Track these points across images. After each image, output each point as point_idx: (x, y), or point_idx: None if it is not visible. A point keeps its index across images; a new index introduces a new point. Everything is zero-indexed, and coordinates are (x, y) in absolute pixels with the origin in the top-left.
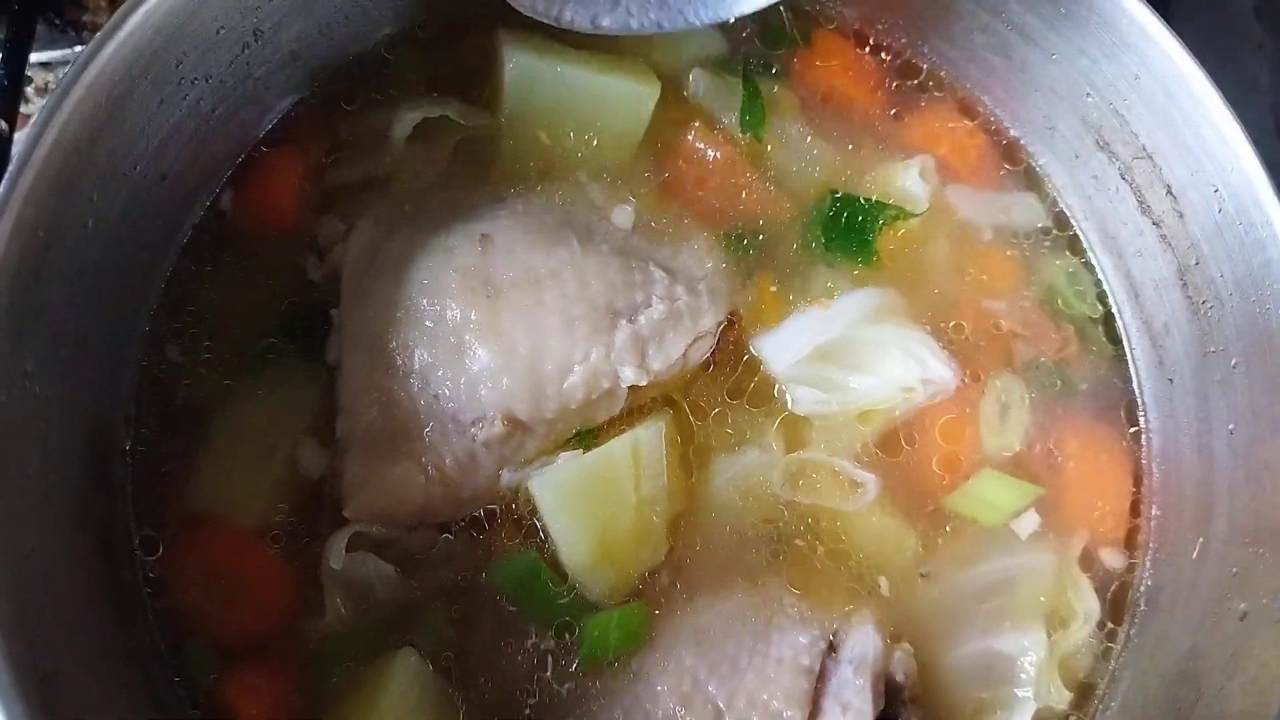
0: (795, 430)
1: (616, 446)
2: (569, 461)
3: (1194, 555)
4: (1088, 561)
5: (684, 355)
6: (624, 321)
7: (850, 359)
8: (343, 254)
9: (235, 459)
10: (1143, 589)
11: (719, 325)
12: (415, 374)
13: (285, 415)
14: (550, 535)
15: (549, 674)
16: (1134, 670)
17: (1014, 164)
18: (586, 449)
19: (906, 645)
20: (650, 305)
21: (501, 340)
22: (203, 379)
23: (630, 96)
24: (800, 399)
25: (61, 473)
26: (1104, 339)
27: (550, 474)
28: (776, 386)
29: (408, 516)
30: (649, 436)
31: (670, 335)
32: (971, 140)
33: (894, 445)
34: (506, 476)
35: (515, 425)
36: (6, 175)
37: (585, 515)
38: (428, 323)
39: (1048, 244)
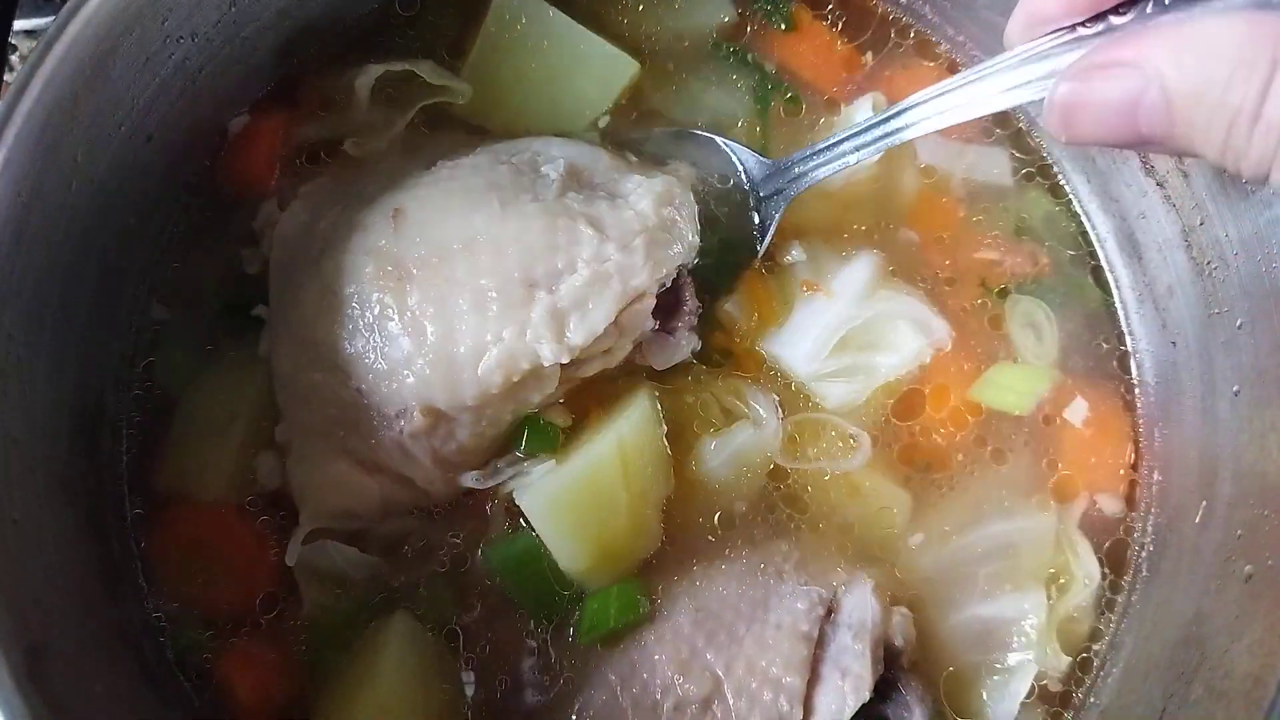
0: (791, 395)
1: (602, 449)
2: (554, 473)
3: (1197, 519)
4: (1087, 526)
5: (616, 323)
6: (541, 293)
7: (867, 340)
8: (270, 242)
9: (200, 438)
10: (1144, 553)
11: (660, 282)
12: (338, 368)
13: (245, 398)
14: (544, 546)
15: (547, 644)
16: (1135, 635)
17: (1005, 127)
18: (559, 452)
19: (905, 610)
20: (573, 270)
21: (413, 325)
22: (181, 353)
23: (609, 63)
24: (830, 394)
25: (49, 441)
26: (1090, 281)
27: (538, 487)
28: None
29: (370, 512)
30: (633, 430)
31: (594, 302)
32: None
33: (905, 410)
34: (468, 479)
35: (436, 416)
36: None
37: (579, 526)
38: (346, 312)
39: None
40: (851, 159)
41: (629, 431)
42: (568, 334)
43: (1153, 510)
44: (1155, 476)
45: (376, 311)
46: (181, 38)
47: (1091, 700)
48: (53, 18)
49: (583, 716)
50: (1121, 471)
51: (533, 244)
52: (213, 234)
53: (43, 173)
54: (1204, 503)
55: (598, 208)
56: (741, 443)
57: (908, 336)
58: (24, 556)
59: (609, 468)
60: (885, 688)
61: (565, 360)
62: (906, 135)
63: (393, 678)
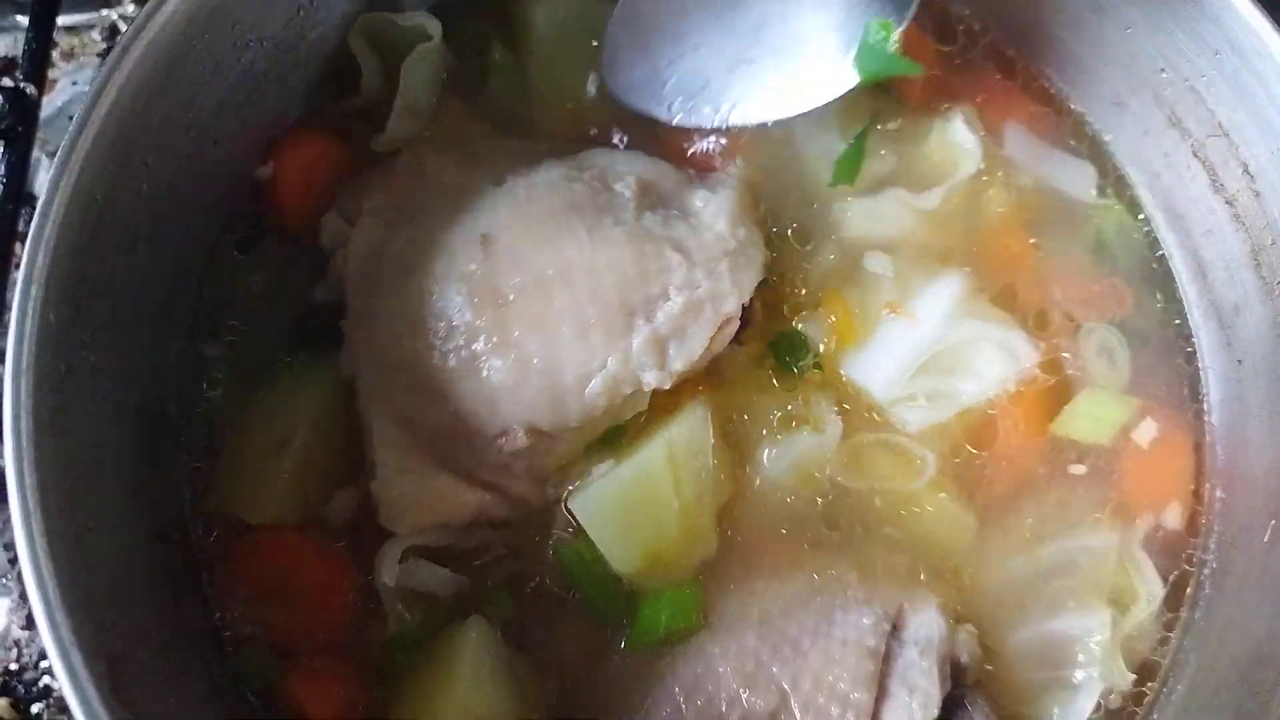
0: (853, 405)
1: (651, 455)
2: (605, 478)
3: (1266, 538)
4: (1150, 544)
5: (708, 348)
6: (641, 321)
7: (949, 364)
8: (345, 261)
9: (254, 459)
10: (1207, 572)
11: (744, 305)
12: (430, 390)
13: (298, 422)
14: (596, 550)
15: (610, 652)
16: (1200, 654)
17: (1078, 139)
18: (619, 451)
19: (970, 627)
20: (668, 298)
21: (515, 353)
22: (239, 365)
23: None
24: (910, 419)
25: (117, 449)
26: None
27: (589, 493)
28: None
29: (463, 524)
30: (683, 436)
31: (692, 330)
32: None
33: (978, 434)
34: (550, 491)
35: (539, 436)
36: (65, 137)
37: (629, 529)
38: (438, 337)
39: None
40: None
41: (679, 436)
42: (669, 360)
43: (1216, 528)
44: (1219, 494)
45: (474, 338)
46: (250, 41)
47: (1155, 717)
48: (94, 13)
49: None
50: (1186, 490)
51: (625, 271)
52: (266, 245)
53: (116, 178)
54: (1273, 522)
55: (677, 230)
56: (802, 450)
57: (993, 362)
58: (98, 564)
59: (658, 472)
60: (952, 705)
61: (667, 385)
62: None
63: (472, 679)
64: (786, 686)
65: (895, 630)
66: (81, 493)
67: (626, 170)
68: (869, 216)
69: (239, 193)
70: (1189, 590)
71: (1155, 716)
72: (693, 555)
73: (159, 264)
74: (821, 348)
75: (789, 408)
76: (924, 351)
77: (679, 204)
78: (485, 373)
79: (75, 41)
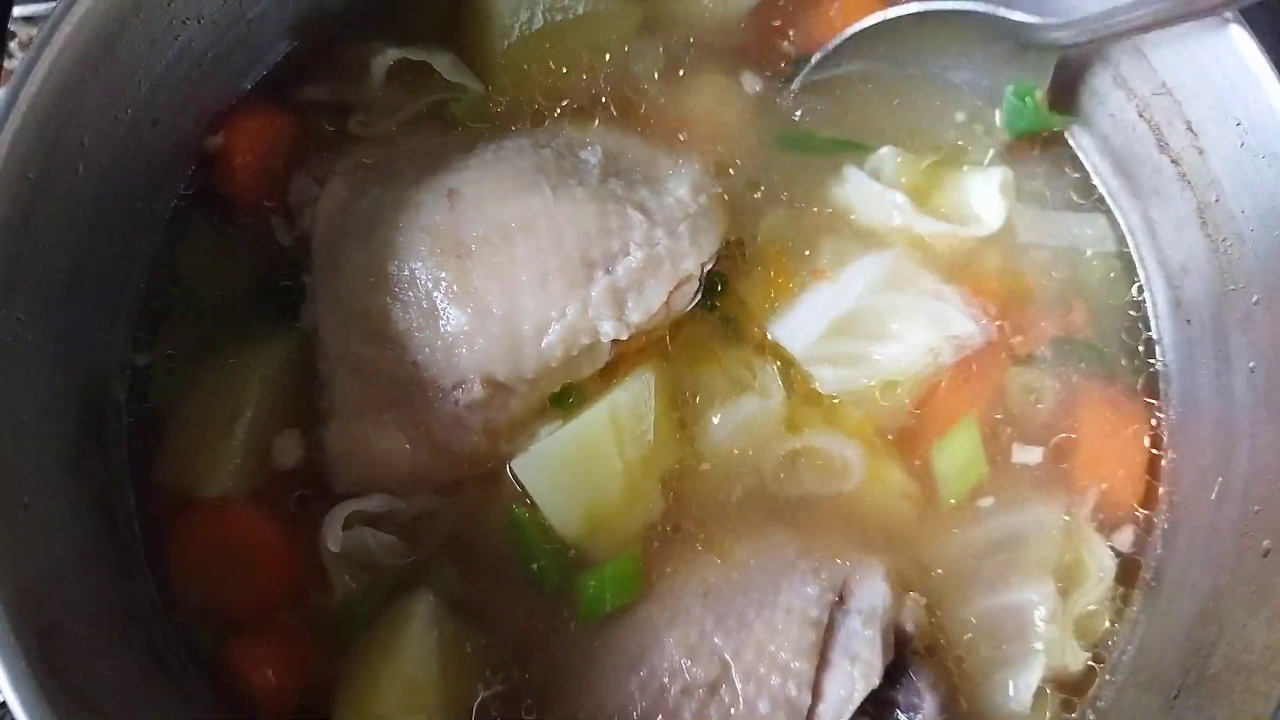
0: (789, 376)
1: (593, 416)
2: (549, 438)
3: (1213, 496)
4: (1102, 508)
5: (666, 303)
6: (600, 273)
7: (870, 329)
8: (312, 216)
9: (203, 432)
10: (1158, 533)
11: (704, 266)
12: (392, 340)
13: (246, 394)
14: (541, 511)
15: (556, 624)
16: (1150, 614)
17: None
18: (568, 412)
19: (916, 595)
20: (628, 253)
21: (475, 301)
22: (186, 339)
23: None
24: (824, 379)
25: (58, 424)
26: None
27: (530, 455)
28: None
29: (400, 485)
30: (627, 399)
31: (650, 284)
32: None
33: (920, 403)
34: (503, 448)
35: (496, 387)
36: None
37: (570, 492)
38: (400, 286)
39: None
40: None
41: (624, 400)
42: (626, 312)
43: (1167, 489)
44: (1170, 455)
45: (435, 287)
46: (188, 19)
47: (1107, 678)
48: (52, 3)
49: (593, 697)
50: (1136, 454)
51: (587, 227)
52: (215, 226)
53: (50, 155)
54: (1220, 480)
55: (640, 194)
56: (746, 414)
57: (919, 330)
58: (34, 538)
59: (601, 434)
60: (896, 674)
61: (624, 337)
62: None
63: (416, 652)
64: (729, 657)
65: (841, 600)
66: (19, 468)
67: (593, 141)
68: (862, 198)
69: (184, 169)
70: (1142, 553)
71: (1108, 677)
72: (636, 518)
73: (99, 241)
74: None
75: (734, 374)
76: (839, 311)
77: (643, 172)
78: (444, 321)
79: (33, 32)
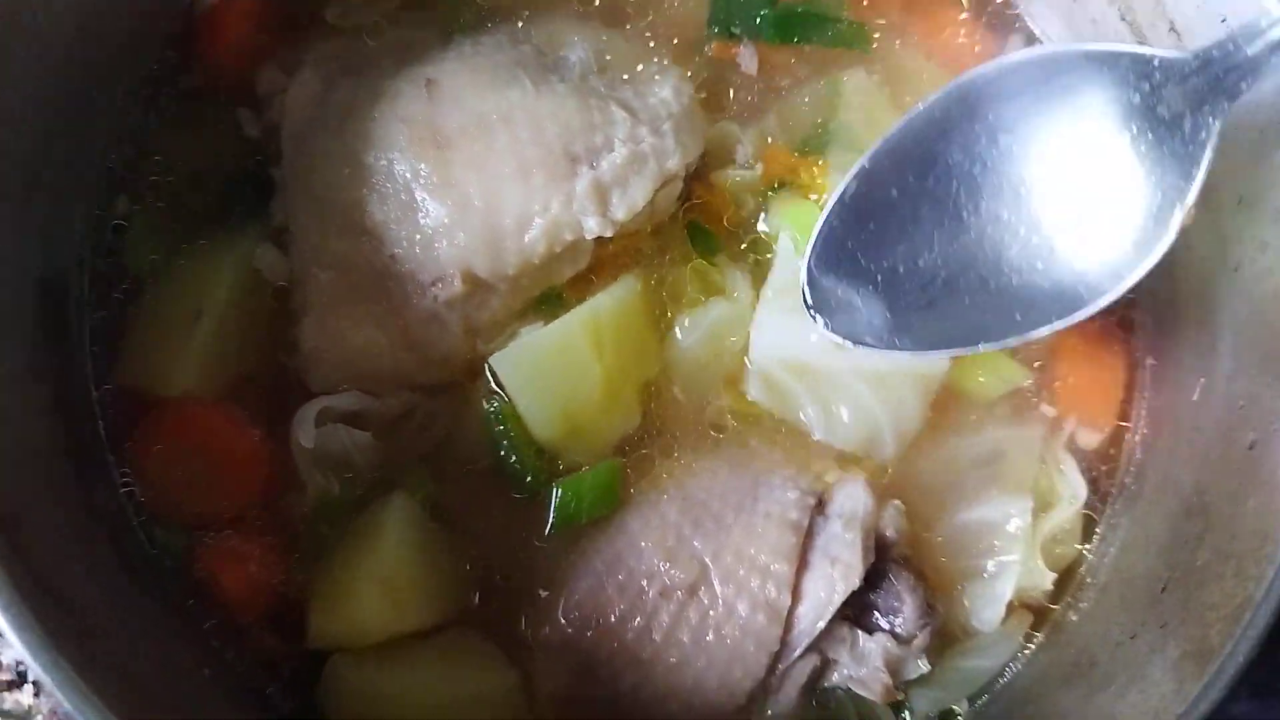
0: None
1: (575, 318)
2: (529, 336)
3: (1195, 397)
4: (1082, 425)
5: (651, 201)
6: (584, 168)
7: (819, 389)
8: (281, 107)
9: (166, 330)
10: (1137, 437)
11: (688, 166)
12: (368, 233)
13: (211, 292)
14: (517, 410)
15: (532, 530)
16: (1131, 515)
17: (1010, 30)
18: (551, 314)
19: (897, 502)
20: (612, 149)
21: (454, 193)
22: (150, 234)
23: None
24: (752, 389)
25: (16, 319)
26: None
27: (509, 351)
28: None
29: (376, 383)
30: (610, 304)
31: (634, 180)
32: None
33: None
34: (480, 347)
35: (476, 283)
36: None
37: (547, 391)
38: (377, 179)
39: None
40: None
41: (607, 304)
42: (610, 208)
43: (1146, 394)
44: (1149, 361)
45: (414, 178)
46: None
47: (1089, 580)
48: None
49: (570, 600)
50: (1115, 364)
51: (569, 120)
52: (180, 114)
53: (3, 34)
54: (1202, 380)
55: (623, 92)
56: (715, 318)
57: (849, 426)
58: None
59: (581, 337)
60: (876, 577)
61: (608, 234)
62: None
63: (393, 551)
64: (707, 560)
65: (820, 505)
66: None
67: (576, 38)
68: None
69: (146, 56)
70: (1120, 459)
71: (1089, 579)
72: (613, 427)
73: (56, 132)
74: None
75: (707, 279)
76: (816, 360)
77: (626, 72)
78: (423, 214)
79: None
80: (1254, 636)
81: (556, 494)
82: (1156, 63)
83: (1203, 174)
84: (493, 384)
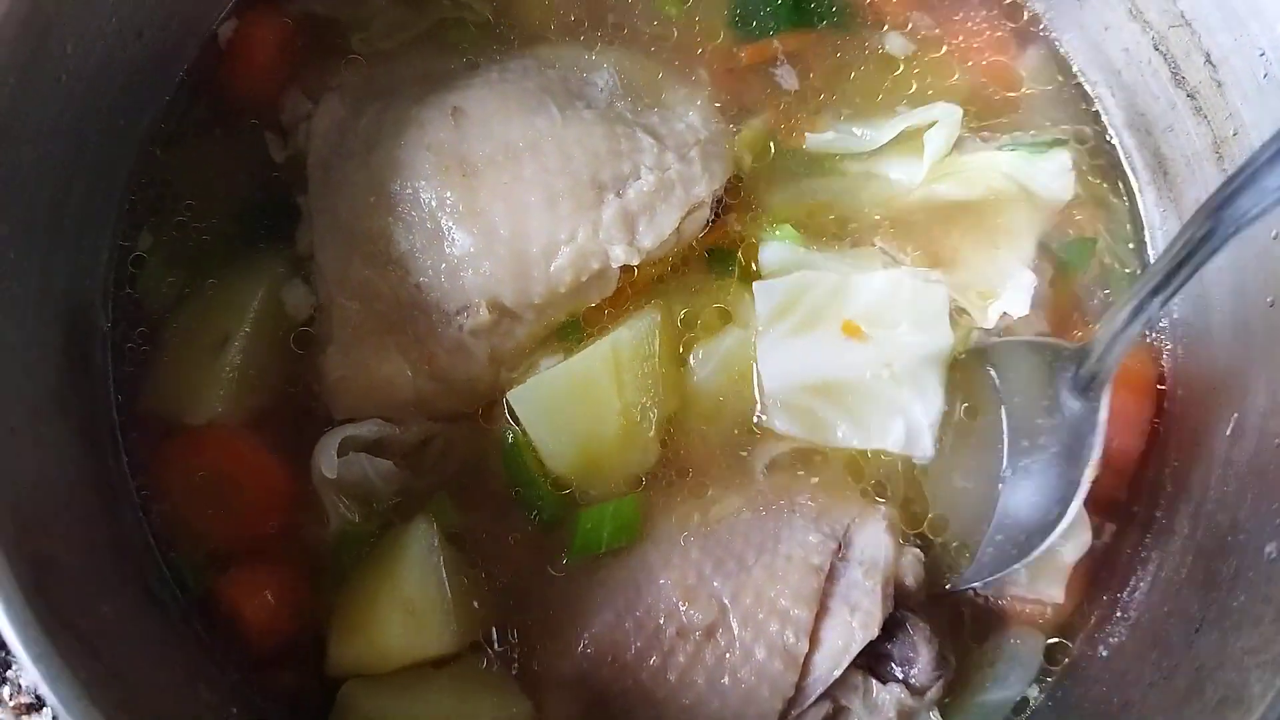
0: None
1: (595, 352)
2: (548, 371)
3: (1228, 432)
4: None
5: (678, 230)
6: (611, 196)
7: (845, 402)
8: (307, 134)
9: (192, 358)
10: (1167, 471)
11: (716, 193)
12: (394, 263)
13: (237, 319)
14: (534, 445)
15: (550, 561)
16: (1163, 552)
17: (1031, 41)
18: (572, 347)
19: (917, 550)
20: (639, 176)
21: (481, 222)
22: (174, 265)
23: None
24: (776, 422)
25: (41, 349)
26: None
27: (529, 385)
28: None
29: (399, 411)
30: (631, 337)
31: (661, 208)
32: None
33: None
34: (504, 375)
35: (502, 312)
36: None
37: (564, 427)
38: (402, 207)
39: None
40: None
41: (627, 338)
42: (638, 236)
43: (1175, 425)
44: (1179, 393)
45: (440, 207)
46: None
47: (1118, 614)
48: None
49: (586, 634)
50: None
51: (597, 148)
52: (203, 145)
53: (30, 63)
54: (1235, 416)
55: (650, 118)
56: (728, 347)
57: (888, 431)
58: (22, 466)
59: (600, 371)
60: (893, 626)
61: (635, 262)
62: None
63: (417, 574)
64: (726, 600)
65: (842, 549)
66: (6, 394)
67: (601, 62)
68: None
69: (170, 85)
70: (1147, 490)
71: (1119, 614)
72: (631, 463)
73: (83, 158)
74: None
75: (717, 305)
76: (836, 374)
77: (652, 97)
78: (449, 243)
79: None
80: None
81: (578, 525)
82: (1065, 352)
83: (1099, 442)
84: (509, 417)
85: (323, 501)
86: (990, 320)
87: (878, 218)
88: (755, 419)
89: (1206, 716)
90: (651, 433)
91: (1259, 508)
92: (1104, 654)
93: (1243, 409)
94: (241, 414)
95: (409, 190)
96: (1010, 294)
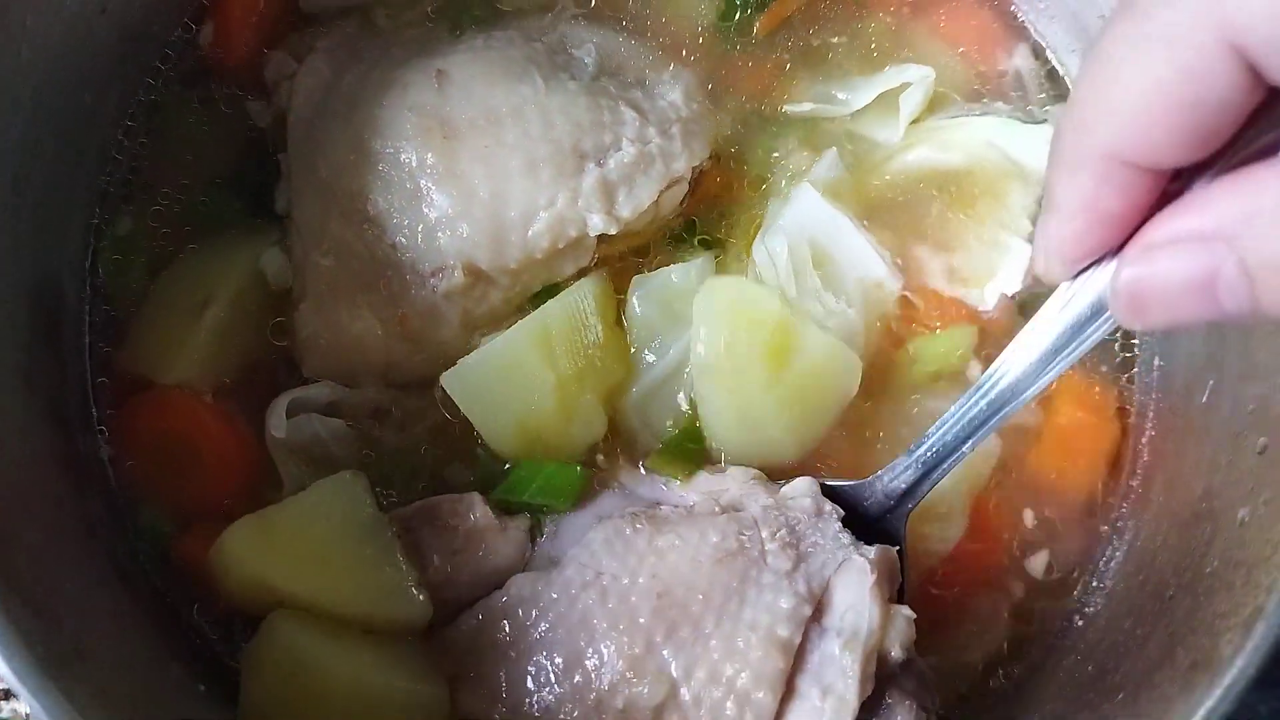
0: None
1: (522, 329)
2: (475, 353)
3: (1204, 399)
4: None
5: (656, 203)
6: (591, 165)
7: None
8: (289, 93)
9: (171, 319)
10: (1145, 439)
11: (695, 170)
12: (371, 221)
13: (221, 283)
14: (474, 426)
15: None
16: (1138, 520)
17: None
18: None
19: (907, 611)
20: (619, 148)
21: (460, 184)
22: (150, 235)
23: None
24: (760, 257)
25: (9, 329)
26: None
27: (458, 368)
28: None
29: (366, 372)
30: (560, 310)
31: (640, 180)
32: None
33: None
34: (476, 340)
35: (477, 275)
36: None
37: (499, 404)
38: (382, 166)
39: None
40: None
41: (557, 310)
42: (616, 206)
43: (1154, 395)
44: (1158, 362)
45: (420, 168)
46: None
47: (1094, 584)
48: None
49: (509, 680)
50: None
51: (580, 118)
52: (178, 115)
53: None
54: (1211, 381)
55: (633, 93)
56: (666, 285)
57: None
58: None
59: (528, 346)
60: (872, 701)
61: (613, 231)
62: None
63: (324, 529)
64: (677, 676)
65: (818, 614)
66: None
67: (588, 38)
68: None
69: (140, 59)
70: (1126, 462)
71: (1095, 583)
72: (575, 436)
73: (46, 134)
74: None
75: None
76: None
77: (637, 75)
78: (427, 204)
79: None
80: (1265, 648)
81: (511, 472)
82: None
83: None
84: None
85: (277, 464)
86: (989, 302)
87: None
88: None
89: (1178, 680)
90: (596, 405)
91: (1232, 474)
92: (1079, 624)
93: (1219, 376)
94: (212, 378)
95: (389, 150)
96: (1005, 271)
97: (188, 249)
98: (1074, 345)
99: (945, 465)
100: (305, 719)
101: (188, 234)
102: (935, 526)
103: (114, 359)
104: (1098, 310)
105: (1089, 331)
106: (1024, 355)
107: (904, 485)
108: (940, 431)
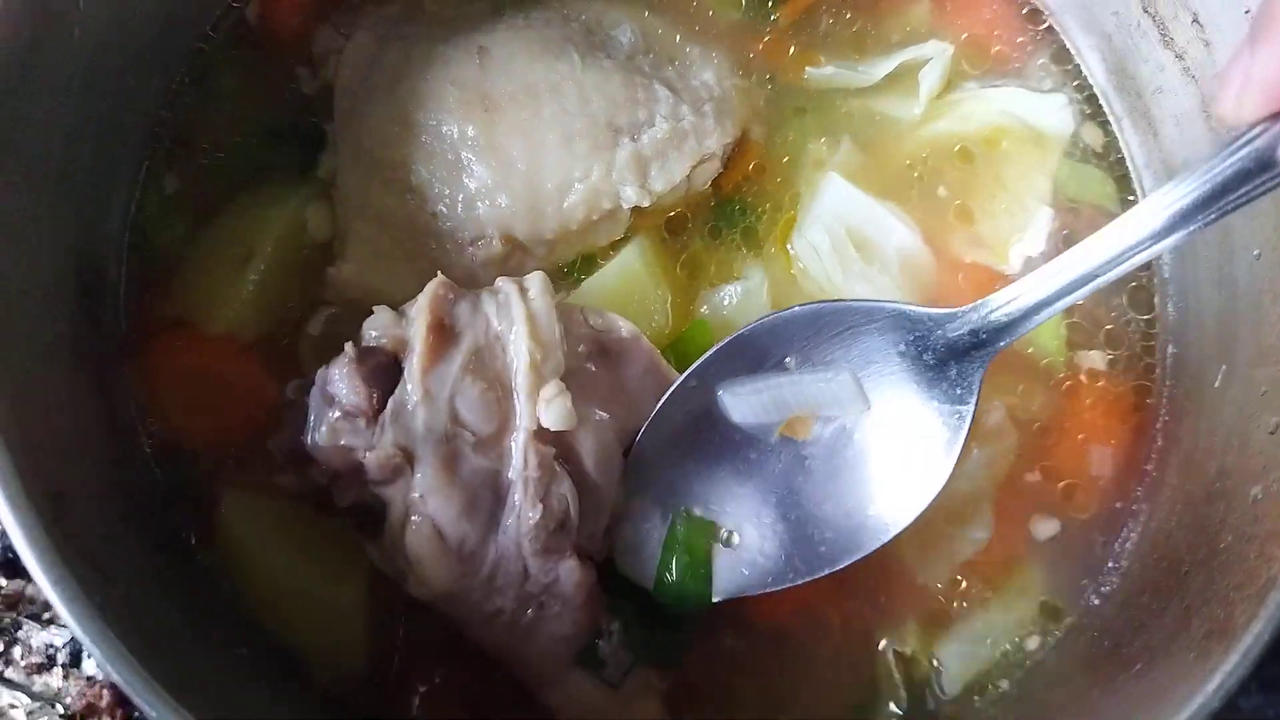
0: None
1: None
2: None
3: (1216, 383)
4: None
5: (688, 177)
6: (626, 139)
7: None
8: (336, 66)
9: (216, 270)
10: (1159, 425)
11: (726, 148)
12: (413, 190)
13: (264, 237)
14: None
15: None
16: (1153, 503)
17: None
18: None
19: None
20: (653, 124)
21: (499, 156)
22: (192, 206)
23: None
24: (801, 249)
25: (55, 299)
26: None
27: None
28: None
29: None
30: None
31: (673, 155)
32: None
33: None
34: None
35: (514, 245)
36: None
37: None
38: (425, 138)
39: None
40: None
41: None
42: (649, 179)
43: (1169, 382)
44: (1170, 350)
45: (461, 140)
46: None
47: (1111, 565)
48: None
49: None
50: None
51: (615, 94)
52: (224, 87)
53: (44, 14)
54: (1223, 367)
55: (667, 72)
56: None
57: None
58: (40, 410)
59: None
60: None
61: (646, 204)
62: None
63: None
64: None
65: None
66: (20, 340)
67: (622, 19)
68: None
69: (189, 37)
70: (1143, 448)
71: (1111, 565)
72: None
73: (95, 110)
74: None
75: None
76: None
77: (670, 54)
78: (468, 175)
79: None
80: (1279, 616)
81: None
82: (914, 316)
83: (971, 414)
84: None
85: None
86: (1014, 265)
87: None
88: None
89: (1193, 649)
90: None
91: (1244, 454)
92: (1095, 602)
93: (1231, 361)
94: (253, 330)
95: (432, 122)
96: (1030, 233)
97: (232, 202)
98: (1228, 200)
99: (1079, 293)
100: None
101: (231, 188)
102: (960, 527)
103: (154, 310)
104: (1265, 165)
105: (1248, 188)
106: (1173, 199)
107: (1005, 318)
108: (1078, 257)
